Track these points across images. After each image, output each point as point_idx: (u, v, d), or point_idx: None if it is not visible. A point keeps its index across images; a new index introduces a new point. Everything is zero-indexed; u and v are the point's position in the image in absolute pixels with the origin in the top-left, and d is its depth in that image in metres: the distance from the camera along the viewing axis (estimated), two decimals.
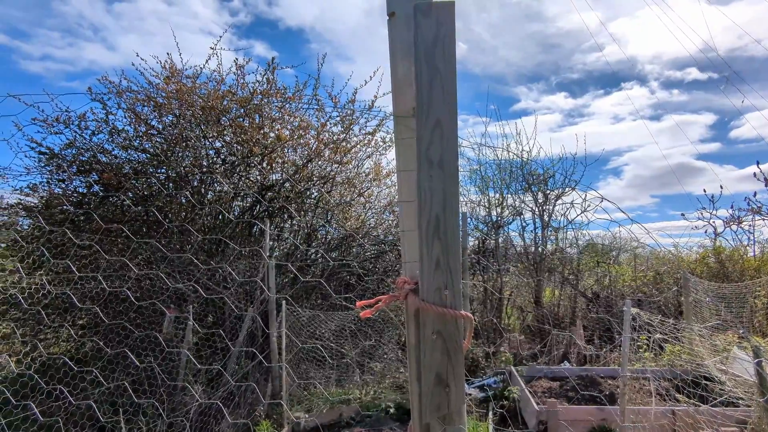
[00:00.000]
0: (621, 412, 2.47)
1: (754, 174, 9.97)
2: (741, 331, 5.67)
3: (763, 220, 10.41)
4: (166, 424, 4.62)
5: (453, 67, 1.24)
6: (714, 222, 10.77)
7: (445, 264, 1.25)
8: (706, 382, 5.11)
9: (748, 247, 10.28)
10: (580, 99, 27.90)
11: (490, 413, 5.57)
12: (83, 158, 6.46)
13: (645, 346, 6.23)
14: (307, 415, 5.43)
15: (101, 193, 6.44)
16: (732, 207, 10.72)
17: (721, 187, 10.93)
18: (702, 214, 10.98)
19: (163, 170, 6.63)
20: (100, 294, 6.10)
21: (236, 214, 7.28)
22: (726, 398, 4.47)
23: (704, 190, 11.06)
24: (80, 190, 6.70)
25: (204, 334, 5.85)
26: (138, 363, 5.06)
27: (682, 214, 11.35)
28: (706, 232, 10.88)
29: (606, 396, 5.57)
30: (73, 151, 6.46)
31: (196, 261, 6.06)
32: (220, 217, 6.81)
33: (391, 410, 5.71)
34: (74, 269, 5.42)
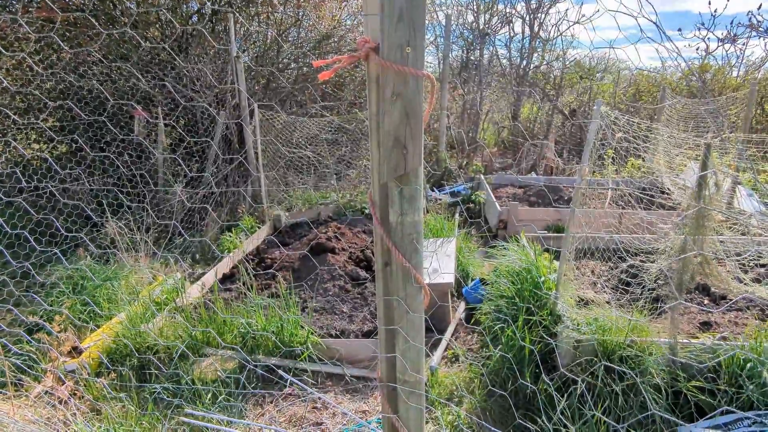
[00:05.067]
0: (571, 212, 2.67)
1: None
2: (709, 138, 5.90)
3: (759, 38, 9.96)
4: (152, 218, 4.89)
5: None
6: (708, 40, 10.29)
7: (408, 17, 1.13)
8: (659, 192, 5.52)
9: (734, 67, 10.07)
10: None
11: (457, 214, 6.06)
12: None
13: (610, 159, 6.53)
14: (287, 213, 5.81)
15: None
16: (731, 23, 10.12)
17: (727, 1, 10.12)
18: (698, 32, 10.38)
19: None
20: (62, 93, 5.77)
21: (195, 8, 6.50)
22: (672, 204, 4.90)
23: (709, 3, 10.23)
24: None
25: (177, 137, 5.80)
26: (119, 164, 5.10)
27: (679, 30, 10.73)
28: (697, 50, 10.47)
29: (565, 201, 6.04)
30: None
31: (157, 54, 5.63)
32: (178, 10, 6.09)
33: (366, 210, 6.13)
34: (32, 63, 4.99)
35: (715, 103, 6.67)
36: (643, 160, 6.49)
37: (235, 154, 6.07)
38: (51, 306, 3.41)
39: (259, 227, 5.39)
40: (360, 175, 6.97)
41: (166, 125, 5.74)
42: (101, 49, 5.78)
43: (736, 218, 4.82)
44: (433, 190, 7.13)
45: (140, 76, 5.30)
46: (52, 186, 4.96)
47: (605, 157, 6.68)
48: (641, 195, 5.25)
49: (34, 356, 2.82)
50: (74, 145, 5.89)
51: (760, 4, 9.66)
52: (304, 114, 6.95)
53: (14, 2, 5.60)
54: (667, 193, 5.67)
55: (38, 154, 6.21)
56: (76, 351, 2.97)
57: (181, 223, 5.13)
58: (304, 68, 6.81)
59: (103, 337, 3.09)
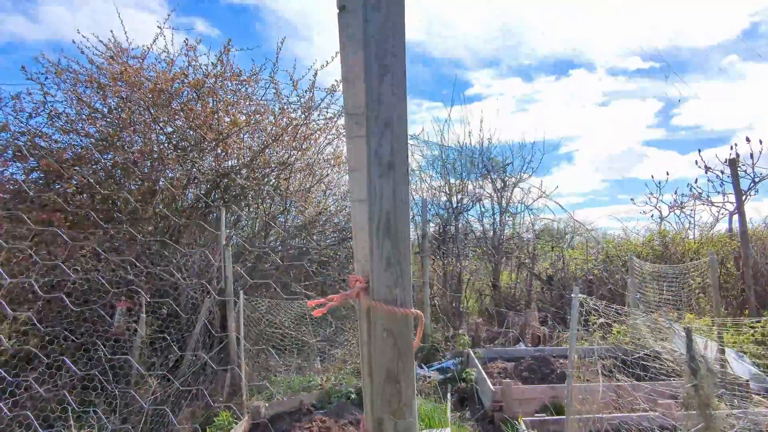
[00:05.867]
0: (568, 391, 2.60)
1: (696, 162, 10.58)
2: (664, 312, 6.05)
3: (703, 204, 11.12)
4: (119, 420, 4.48)
5: (403, 65, 1.23)
6: (660, 207, 11.41)
7: (395, 262, 1.25)
8: (646, 360, 5.45)
9: (689, 230, 10.96)
10: (530, 84, 28.52)
11: (449, 395, 5.73)
12: (19, 142, 6.03)
13: (594, 325, 6.56)
14: (267, 404, 5.40)
15: (41, 181, 6.05)
16: (676, 192, 11.39)
17: (667, 173, 11.59)
18: (650, 198, 11.61)
19: (110, 156, 6.29)
20: (45, 287, 5.77)
21: (190, 201, 7.03)
22: (667, 370, 4.79)
23: (652, 176, 11.69)
24: (17, 177, 6.27)
25: (158, 327, 5.67)
26: (87, 359, 4.86)
27: (632, 199, 11.96)
28: (652, 216, 11.51)
29: (557, 375, 5.85)
30: (8, 135, 6.02)
31: (146, 245, 5.84)
32: (173, 205, 6.57)
33: (353, 396, 5.76)
34: None
35: (680, 271, 7.06)
36: (626, 327, 6.54)
37: (216, 340, 5.89)
38: None
39: (236, 423, 4.94)
40: (345, 354, 6.74)
41: (148, 314, 5.66)
42: (92, 242, 6.02)
43: (735, 388, 4.69)
44: (421, 367, 6.86)
45: (129, 268, 5.42)
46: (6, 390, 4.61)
47: (590, 324, 6.72)
48: (634, 361, 5.15)
49: None
50: (46, 338, 5.68)
51: (696, 178, 11.00)
52: (289, 294, 7.01)
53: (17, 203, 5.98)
54: (660, 359, 5.59)
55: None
56: None
57: (150, 424, 4.68)
58: (290, 251, 7.12)
59: None
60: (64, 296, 4.85)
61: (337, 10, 1.46)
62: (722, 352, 4.99)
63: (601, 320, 2.82)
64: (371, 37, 1.22)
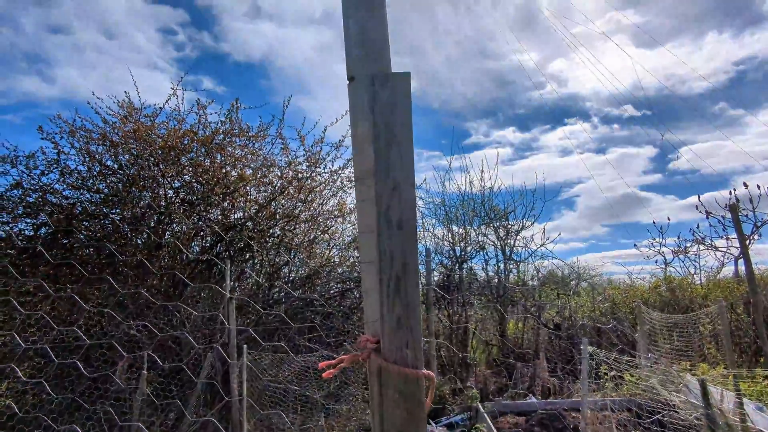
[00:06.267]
0: None
1: (696, 207, 10.67)
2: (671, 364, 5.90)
3: (708, 249, 11.10)
4: None
5: (409, 133, 1.31)
6: (663, 251, 11.40)
7: (406, 323, 1.27)
8: (663, 410, 5.26)
9: (695, 275, 10.88)
10: (528, 133, 29.25)
11: None
12: (30, 199, 6.17)
13: (605, 376, 6.38)
14: None
15: (49, 236, 6.13)
16: (678, 237, 11.41)
17: (669, 219, 11.65)
18: (652, 242, 11.61)
19: (117, 211, 6.40)
20: (58, 343, 5.71)
21: (196, 253, 7.07)
22: (684, 425, 4.61)
23: (653, 222, 11.79)
24: (27, 232, 6.36)
25: (159, 383, 5.55)
26: (86, 417, 4.73)
27: (635, 244, 11.98)
28: (656, 261, 11.47)
29: (571, 430, 5.63)
30: (20, 192, 6.17)
31: (151, 301, 5.81)
32: (179, 258, 6.60)
33: None
34: (24, 311, 5.07)
35: (690, 319, 6.95)
36: (638, 377, 6.35)
37: (217, 396, 5.73)
38: None
39: None
40: (350, 410, 6.52)
41: (149, 370, 5.55)
42: (97, 295, 6.01)
43: None
44: (429, 423, 6.61)
45: (132, 323, 5.39)
46: None
47: (601, 375, 6.54)
48: (649, 414, 4.98)
49: None
50: (44, 396, 5.55)
51: (698, 224, 11.04)
52: (292, 347, 6.89)
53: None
54: (676, 411, 5.39)
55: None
56: None
57: None
58: (294, 303, 7.06)
59: None
60: (78, 362, 4.80)
61: (347, 81, 1.56)
62: (740, 404, 4.82)
63: (613, 373, 2.77)
64: (379, 108, 1.31)
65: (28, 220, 6.26)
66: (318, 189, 7.69)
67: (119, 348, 4.65)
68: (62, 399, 5.08)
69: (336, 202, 8.10)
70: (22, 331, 5.40)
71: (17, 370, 5.02)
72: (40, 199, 6.14)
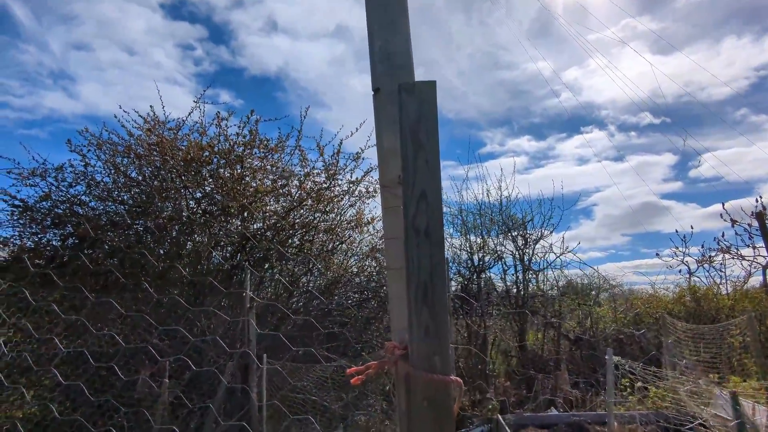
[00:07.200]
0: None
1: (721, 215, 10.40)
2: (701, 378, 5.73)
3: (733, 258, 10.79)
4: None
5: (436, 141, 1.32)
6: (687, 261, 11.12)
7: (434, 331, 1.27)
8: (691, 424, 5.10)
9: (720, 285, 10.57)
10: (543, 142, 29.02)
11: None
12: (59, 210, 6.34)
13: (629, 389, 6.21)
14: None
15: (75, 247, 6.29)
16: (702, 246, 11.11)
17: (692, 227, 11.39)
18: (675, 251, 11.34)
19: (141, 222, 6.54)
20: (70, 352, 5.83)
21: (216, 263, 7.17)
22: None
23: (676, 231, 11.54)
24: (54, 243, 6.53)
25: (180, 391, 5.60)
26: (110, 424, 4.80)
27: (657, 254, 11.71)
28: (680, 271, 11.19)
29: None
30: (49, 204, 6.35)
31: (173, 311, 5.90)
32: (199, 267, 6.70)
33: None
34: (31, 329, 5.19)
35: (717, 330, 6.75)
36: (665, 390, 6.18)
37: (237, 405, 5.77)
38: None
39: None
40: (369, 422, 6.49)
41: (170, 378, 5.62)
42: (120, 305, 6.12)
43: None
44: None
45: (154, 332, 5.47)
46: None
47: (625, 387, 6.37)
48: (678, 429, 4.83)
49: None
50: (68, 405, 5.65)
51: (723, 232, 10.77)
52: (311, 356, 6.90)
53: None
54: (705, 425, 5.21)
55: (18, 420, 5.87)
56: None
57: None
58: (313, 312, 7.09)
59: None
60: (103, 370, 4.88)
61: (372, 92, 1.59)
62: None
63: (639, 384, 2.70)
64: (405, 119, 1.32)
65: (56, 231, 6.44)
66: (336, 199, 7.74)
67: (144, 357, 4.72)
68: (93, 403, 5.16)
69: (354, 212, 8.15)
70: (48, 340, 5.53)
71: (56, 372, 5.14)
72: (68, 210, 6.31)
